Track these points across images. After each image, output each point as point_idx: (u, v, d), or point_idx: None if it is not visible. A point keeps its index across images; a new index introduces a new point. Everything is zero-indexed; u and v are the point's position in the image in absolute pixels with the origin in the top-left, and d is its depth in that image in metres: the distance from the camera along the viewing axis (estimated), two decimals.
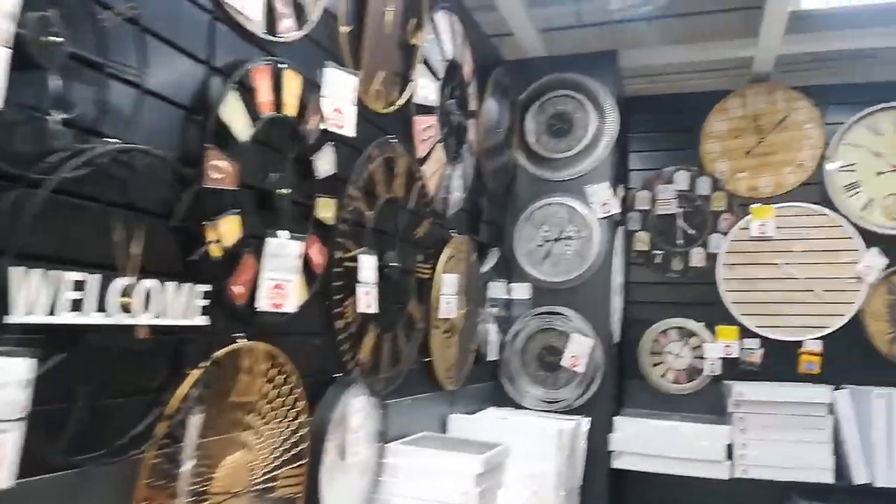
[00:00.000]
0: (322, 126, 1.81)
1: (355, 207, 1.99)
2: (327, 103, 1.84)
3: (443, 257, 2.58)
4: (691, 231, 3.77)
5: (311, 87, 1.77)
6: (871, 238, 3.48)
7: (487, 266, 3.24)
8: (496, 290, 3.38)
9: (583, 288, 3.38)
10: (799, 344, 3.52)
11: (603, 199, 3.40)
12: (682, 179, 3.82)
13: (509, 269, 3.49)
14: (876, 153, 3.53)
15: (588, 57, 3.52)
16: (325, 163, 1.83)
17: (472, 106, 2.92)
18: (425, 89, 2.44)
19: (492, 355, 3.26)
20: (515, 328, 3.42)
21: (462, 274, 2.75)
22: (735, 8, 3.37)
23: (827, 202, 3.57)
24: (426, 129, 2.45)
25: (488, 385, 3.30)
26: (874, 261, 3.45)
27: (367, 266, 2.01)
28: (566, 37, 3.60)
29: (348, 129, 1.91)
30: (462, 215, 2.91)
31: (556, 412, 3.27)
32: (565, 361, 3.31)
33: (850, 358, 3.45)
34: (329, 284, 1.88)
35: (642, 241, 3.86)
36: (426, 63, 2.45)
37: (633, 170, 3.95)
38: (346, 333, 1.95)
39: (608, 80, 3.48)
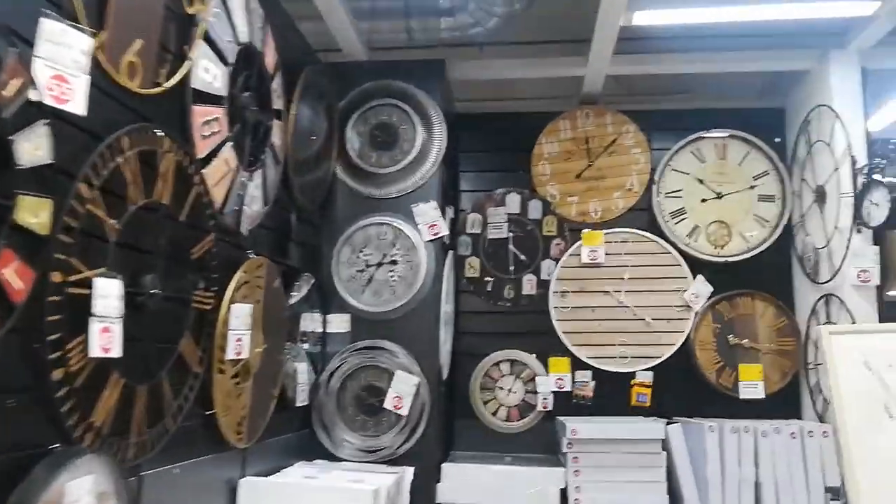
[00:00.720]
0: (31, 96, 1.28)
1: (90, 213, 1.47)
2: (42, 67, 1.32)
3: (233, 283, 2.09)
4: (523, 257, 3.55)
5: (9, 40, 1.25)
6: (697, 265, 3.44)
7: (298, 295, 2.77)
8: (309, 322, 2.91)
9: (409, 319, 3.01)
10: (631, 375, 3.38)
11: (431, 219, 3.07)
12: (513, 202, 3.60)
13: (326, 299, 3.04)
14: (700, 180, 3.52)
15: (415, 64, 3.20)
16: (33, 147, 1.29)
17: (277, 105, 2.47)
18: (208, 73, 1.96)
19: (301, 400, 2.78)
20: (332, 366, 2.97)
21: (259, 303, 2.26)
22: (566, 40, 3.24)
23: (655, 228, 3.50)
24: (208, 122, 1.96)
25: (296, 436, 2.80)
26: (700, 289, 3.40)
27: (107, 293, 1.48)
28: (391, 42, 3.26)
29: (76, 104, 1.39)
30: (263, 233, 2.44)
31: (378, 462, 2.84)
32: (388, 403, 2.91)
33: (681, 389, 3.36)
34: (40, 319, 1.34)
35: (473, 267, 3.57)
36: (210, 41, 1.97)
37: (464, 191, 3.68)
38: (70, 387, 1.40)
39: (436, 92, 3.18)
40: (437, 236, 3.07)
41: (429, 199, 3.09)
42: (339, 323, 3.04)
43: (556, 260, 3.51)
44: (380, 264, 3.05)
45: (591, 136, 3.61)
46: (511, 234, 3.57)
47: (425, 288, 3.01)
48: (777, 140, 3.54)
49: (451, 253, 3.36)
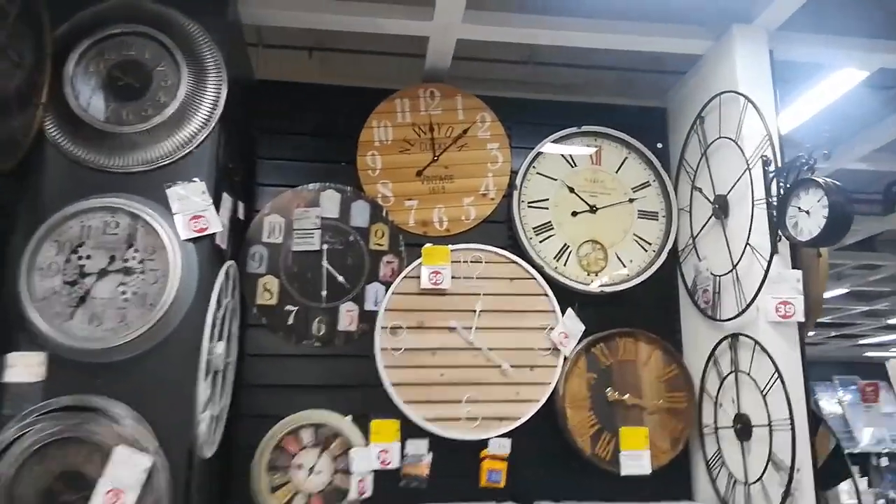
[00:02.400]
0: None
1: None
2: None
3: None
4: (341, 278, 2.55)
5: None
6: (567, 296, 2.63)
7: None
8: None
9: (146, 361, 1.89)
10: (481, 444, 2.46)
11: (195, 208, 2.00)
12: (330, 203, 2.61)
13: (6, 326, 1.85)
14: (570, 188, 2.75)
15: None
16: None
17: None
18: None
19: None
20: (4, 439, 1.76)
21: None
22: None
23: (516, 247, 2.67)
24: None
25: None
26: (571, 326, 2.59)
27: None
28: None
29: None
30: None
31: None
32: (97, 500, 1.75)
33: (546, 462, 2.49)
34: None
35: (269, 290, 2.51)
36: None
37: (262, 184, 2.63)
38: None
39: (217, 28, 2.16)
40: (202, 234, 2.00)
41: (193, 179, 2.03)
42: (24, 367, 1.84)
43: (387, 284, 2.56)
44: (104, 273, 1.91)
45: (436, 122, 2.74)
46: (326, 247, 2.57)
47: (176, 312, 1.92)
48: (659, 146, 2.87)
49: (230, 266, 2.29)
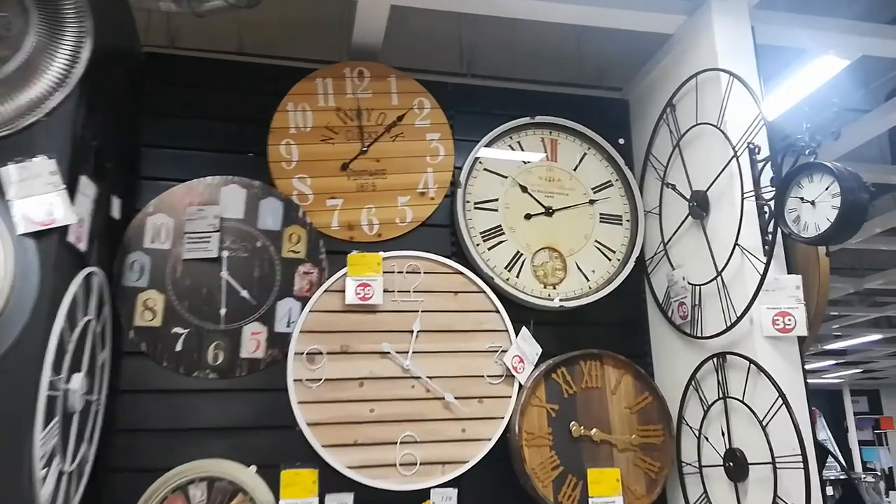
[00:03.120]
0: None
1: None
2: None
3: None
4: (244, 293, 2.06)
5: None
6: (520, 312, 2.22)
7: None
8: None
9: None
10: (421, 495, 1.99)
11: (38, 192, 1.49)
12: (233, 200, 2.13)
13: None
14: (523, 187, 2.36)
15: None
16: None
17: None
18: None
19: None
20: None
21: None
22: None
23: (461, 255, 2.25)
24: None
25: None
26: (526, 348, 2.17)
27: None
28: None
29: None
30: None
31: None
32: None
33: None
34: None
35: (151, 308, 1.99)
36: None
37: (146, 177, 2.12)
38: None
39: None
40: (47, 227, 1.49)
41: (38, 153, 1.52)
42: None
43: (303, 300, 2.08)
44: None
45: (366, 107, 2.31)
46: (226, 254, 2.07)
47: (7, 336, 1.39)
48: (621, 141, 2.52)
49: (93, 274, 1.77)
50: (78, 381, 1.61)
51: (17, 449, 1.38)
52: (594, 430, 2.12)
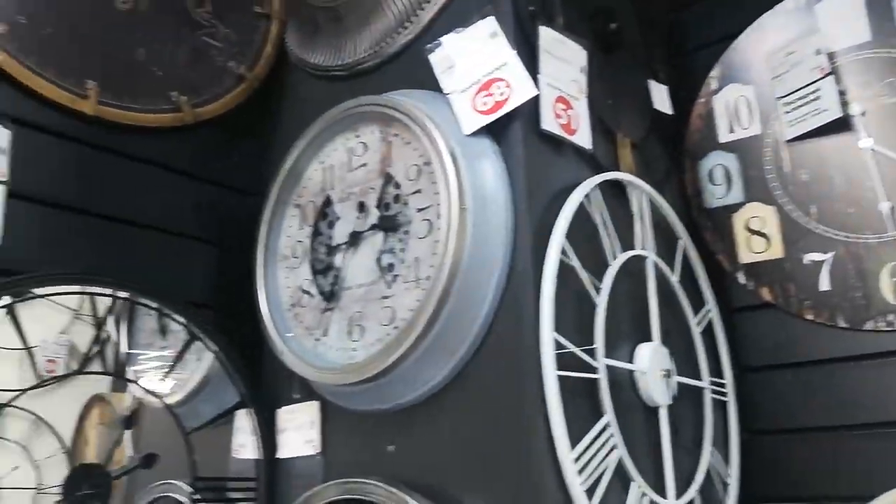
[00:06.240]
0: None
1: None
2: None
3: None
4: None
5: None
6: None
7: None
8: None
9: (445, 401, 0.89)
10: None
11: (481, 71, 0.96)
12: (839, 16, 1.17)
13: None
14: None
15: None
16: None
17: None
18: None
19: None
20: None
21: None
22: None
23: None
24: None
25: None
26: None
27: None
28: None
29: None
30: None
31: None
32: None
33: None
34: None
35: (757, 230, 1.20)
36: None
37: (697, 47, 1.38)
38: None
39: None
40: (495, 112, 0.93)
41: (474, 20, 1.00)
42: (295, 431, 1.07)
43: None
44: (355, 238, 1.02)
45: None
46: (858, 110, 1.13)
47: (464, 289, 0.87)
48: None
49: (613, 183, 1.12)
50: (646, 355, 0.96)
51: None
52: None
